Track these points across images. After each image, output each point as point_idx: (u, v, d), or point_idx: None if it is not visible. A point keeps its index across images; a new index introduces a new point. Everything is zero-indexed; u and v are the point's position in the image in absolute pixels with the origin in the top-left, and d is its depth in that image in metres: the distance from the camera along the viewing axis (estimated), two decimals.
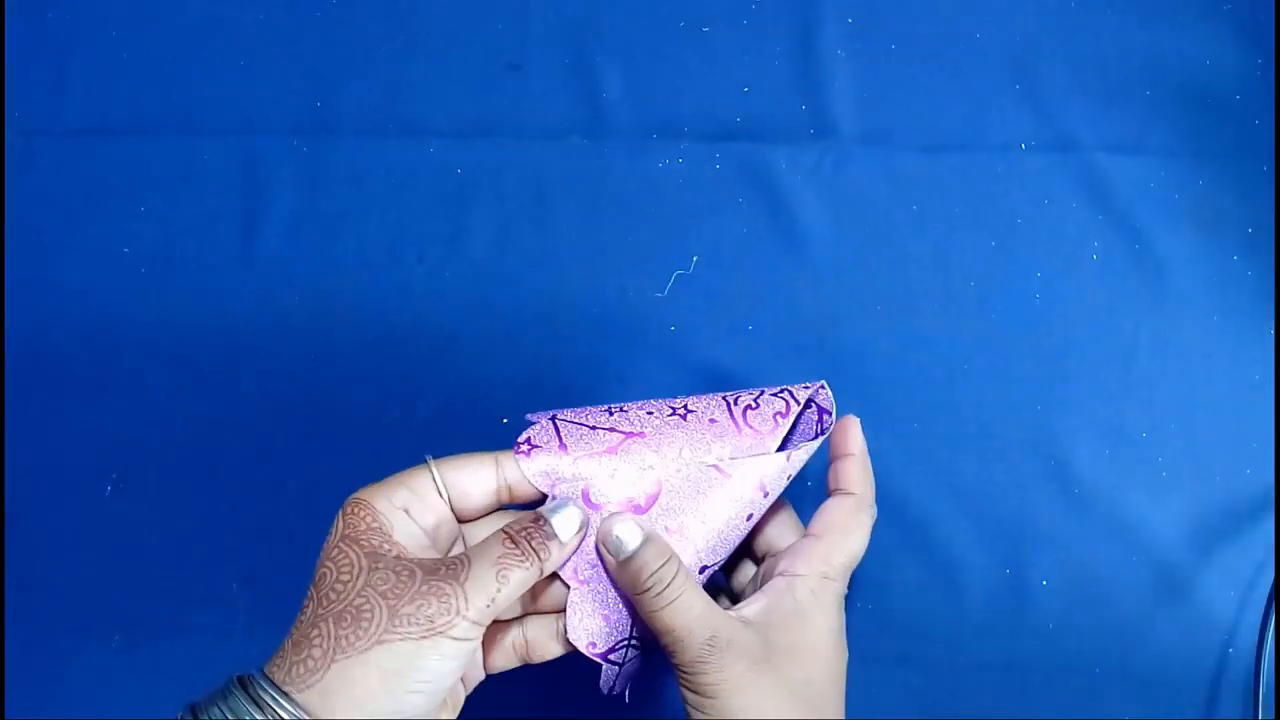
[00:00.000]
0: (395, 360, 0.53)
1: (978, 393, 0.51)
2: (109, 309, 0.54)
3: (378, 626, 0.35)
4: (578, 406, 0.43)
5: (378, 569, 0.36)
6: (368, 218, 0.54)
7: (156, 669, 0.52)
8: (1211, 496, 0.50)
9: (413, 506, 0.39)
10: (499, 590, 0.36)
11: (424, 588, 0.36)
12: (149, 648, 0.52)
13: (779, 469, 0.42)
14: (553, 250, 0.54)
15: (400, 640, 0.35)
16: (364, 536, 0.37)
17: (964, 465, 0.51)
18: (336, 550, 0.37)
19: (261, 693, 0.35)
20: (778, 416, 0.42)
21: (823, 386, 0.44)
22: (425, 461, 0.40)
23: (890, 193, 0.53)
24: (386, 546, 0.37)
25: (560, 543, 0.39)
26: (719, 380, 0.52)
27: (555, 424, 0.42)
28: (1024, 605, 0.50)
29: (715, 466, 0.41)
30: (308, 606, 0.37)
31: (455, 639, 0.35)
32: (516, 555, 0.37)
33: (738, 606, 0.41)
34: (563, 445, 0.41)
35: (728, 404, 0.43)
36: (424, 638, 0.35)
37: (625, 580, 0.39)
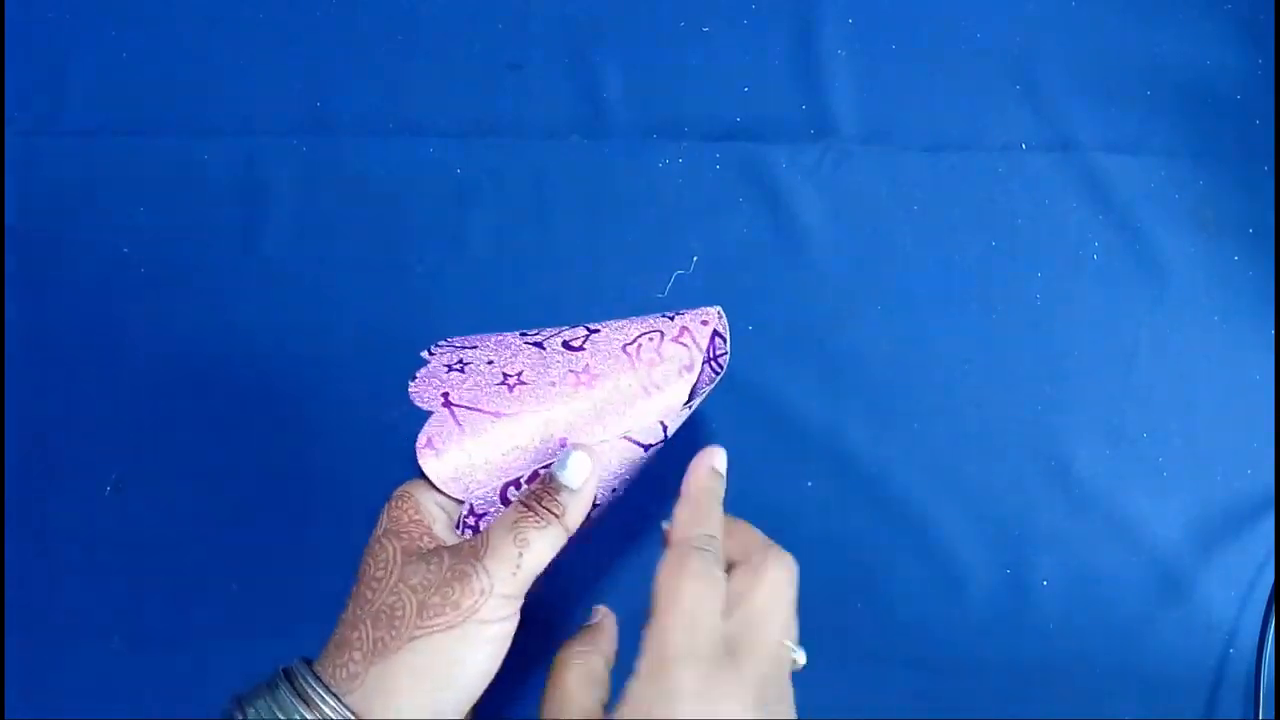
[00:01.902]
0: (395, 360, 0.53)
1: (978, 393, 0.51)
2: (109, 309, 0.54)
3: (409, 624, 0.35)
4: (462, 343, 0.41)
5: (411, 562, 0.36)
6: (368, 218, 0.54)
7: (156, 670, 0.52)
8: (1212, 497, 0.50)
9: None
10: (520, 557, 0.36)
11: (448, 574, 0.35)
12: (149, 648, 0.52)
13: (682, 414, 0.41)
14: (553, 250, 0.54)
15: (429, 635, 0.35)
16: (405, 530, 0.37)
17: (964, 465, 0.51)
18: (377, 545, 0.37)
19: (309, 689, 0.34)
20: (683, 370, 0.41)
21: (719, 315, 0.43)
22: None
23: (890, 193, 0.53)
24: (426, 540, 0.37)
25: (572, 491, 0.38)
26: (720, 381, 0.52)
27: (453, 412, 0.40)
28: (1024, 605, 0.50)
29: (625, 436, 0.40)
30: (350, 604, 0.37)
31: (485, 621, 0.35)
32: (531, 518, 0.37)
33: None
34: (467, 439, 0.40)
35: (630, 359, 0.41)
36: (452, 627, 0.35)
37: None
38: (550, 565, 0.38)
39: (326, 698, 0.34)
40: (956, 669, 0.50)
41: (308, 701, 0.34)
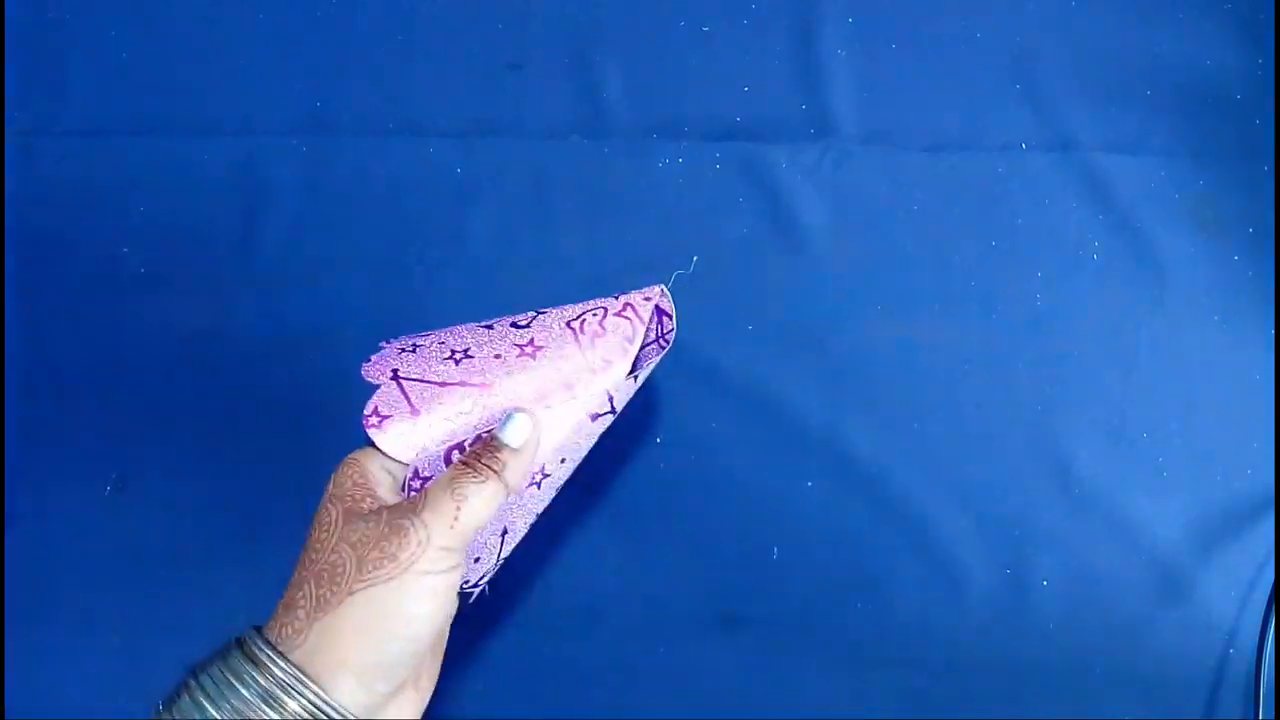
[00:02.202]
0: None
1: (978, 393, 0.51)
2: (109, 309, 0.54)
3: (348, 578, 0.36)
4: (418, 335, 0.43)
5: (351, 522, 0.37)
6: (368, 218, 0.54)
7: (156, 669, 0.52)
8: (1212, 497, 0.50)
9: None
10: (458, 510, 0.36)
11: (386, 529, 0.36)
12: (149, 648, 0.52)
13: (628, 386, 0.42)
14: (553, 250, 0.54)
15: (368, 587, 0.35)
16: (349, 494, 0.38)
17: (964, 465, 0.51)
18: (322, 511, 0.38)
19: (258, 651, 0.35)
20: (625, 342, 0.42)
21: (663, 293, 0.44)
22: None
23: (890, 193, 0.53)
24: (369, 502, 0.38)
25: (513, 450, 0.39)
26: (720, 380, 0.52)
27: (401, 384, 0.41)
28: (1024, 605, 0.50)
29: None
30: (296, 568, 0.38)
31: (424, 573, 0.36)
32: (470, 474, 0.37)
33: None
34: (413, 408, 0.41)
35: (574, 333, 0.42)
36: (391, 579, 0.35)
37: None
38: (517, 549, 0.39)
39: (275, 657, 0.35)
40: (956, 669, 0.50)
41: (257, 663, 0.35)
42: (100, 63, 0.56)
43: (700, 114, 0.54)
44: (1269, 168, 0.52)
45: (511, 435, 0.39)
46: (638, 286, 0.53)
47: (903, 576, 0.50)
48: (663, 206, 0.54)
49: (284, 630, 0.36)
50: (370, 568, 0.35)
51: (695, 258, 0.53)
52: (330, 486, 0.39)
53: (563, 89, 0.55)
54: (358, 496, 0.38)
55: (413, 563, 0.35)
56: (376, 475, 0.39)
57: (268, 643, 0.36)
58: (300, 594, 0.36)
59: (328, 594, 0.36)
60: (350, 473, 0.39)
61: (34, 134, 0.56)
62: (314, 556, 0.37)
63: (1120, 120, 0.53)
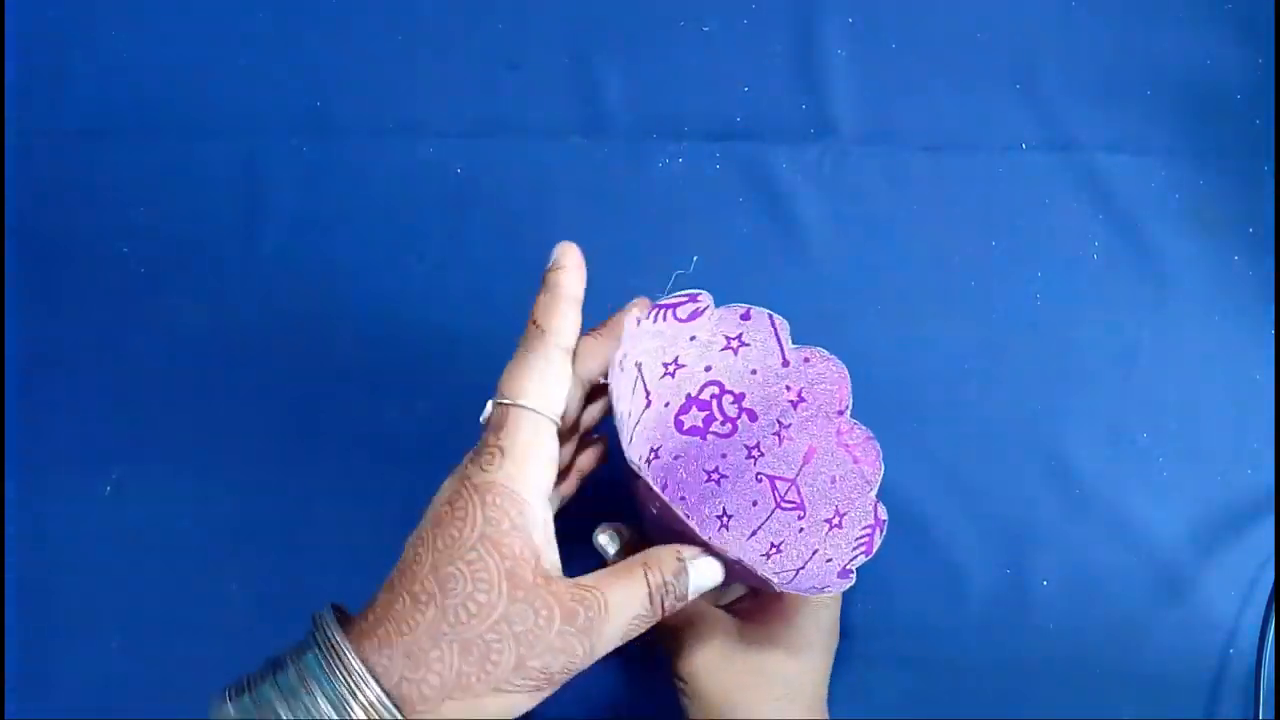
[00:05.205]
0: (395, 360, 0.53)
1: (978, 393, 0.51)
2: (109, 309, 0.54)
3: (502, 673, 0.33)
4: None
5: (517, 600, 0.33)
6: (368, 218, 0.54)
7: (156, 669, 0.52)
8: (1212, 496, 0.50)
9: (547, 474, 0.36)
10: (622, 638, 0.35)
11: (557, 641, 0.33)
12: (149, 648, 0.52)
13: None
14: (553, 250, 0.54)
15: (514, 692, 0.33)
16: (505, 540, 0.33)
17: (964, 465, 0.51)
18: (474, 554, 0.33)
19: (380, 708, 0.32)
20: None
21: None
22: (520, 407, 0.36)
23: (890, 193, 0.53)
24: (527, 558, 0.33)
25: (688, 599, 0.36)
26: None
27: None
28: (1024, 605, 0.50)
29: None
30: (427, 606, 0.33)
31: (557, 686, 0.34)
32: (646, 616, 0.35)
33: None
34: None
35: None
36: (538, 689, 0.34)
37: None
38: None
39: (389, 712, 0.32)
40: (956, 669, 0.50)
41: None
42: (100, 63, 0.56)
43: (700, 114, 0.54)
44: (1269, 168, 0.52)
45: (696, 582, 0.36)
46: (638, 287, 0.53)
47: (902, 576, 0.50)
48: (663, 206, 0.54)
49: (406, 687, 0.32)
50: (528, 675, 0.33)
51: (695, 258, 0.53)
52: (480, 521, 0.33)
53: (563, 89, 0.55)
54: (517, 549, 0.33)
55: (561, 680, 0.34)
56: (534, 508, 0.34)
57: (391, 699, 0.32)
58: (437, 654, 0.33)
59: (474, 677, 0.32)
60: (508, 508, 0.34)
61: (34, 134, 0.56)
62: (464, 618, 0.33)
63: (1120, 120, 0.53)
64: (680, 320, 0.41)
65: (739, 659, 0.40)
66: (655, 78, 0.54)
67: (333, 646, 0.33)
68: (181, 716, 0.50)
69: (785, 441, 0.45)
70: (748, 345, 0.43)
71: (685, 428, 0.44)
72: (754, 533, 0.44)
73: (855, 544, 0.41)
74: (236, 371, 0.54)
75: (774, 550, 0.43)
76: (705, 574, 0.36)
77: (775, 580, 0.37)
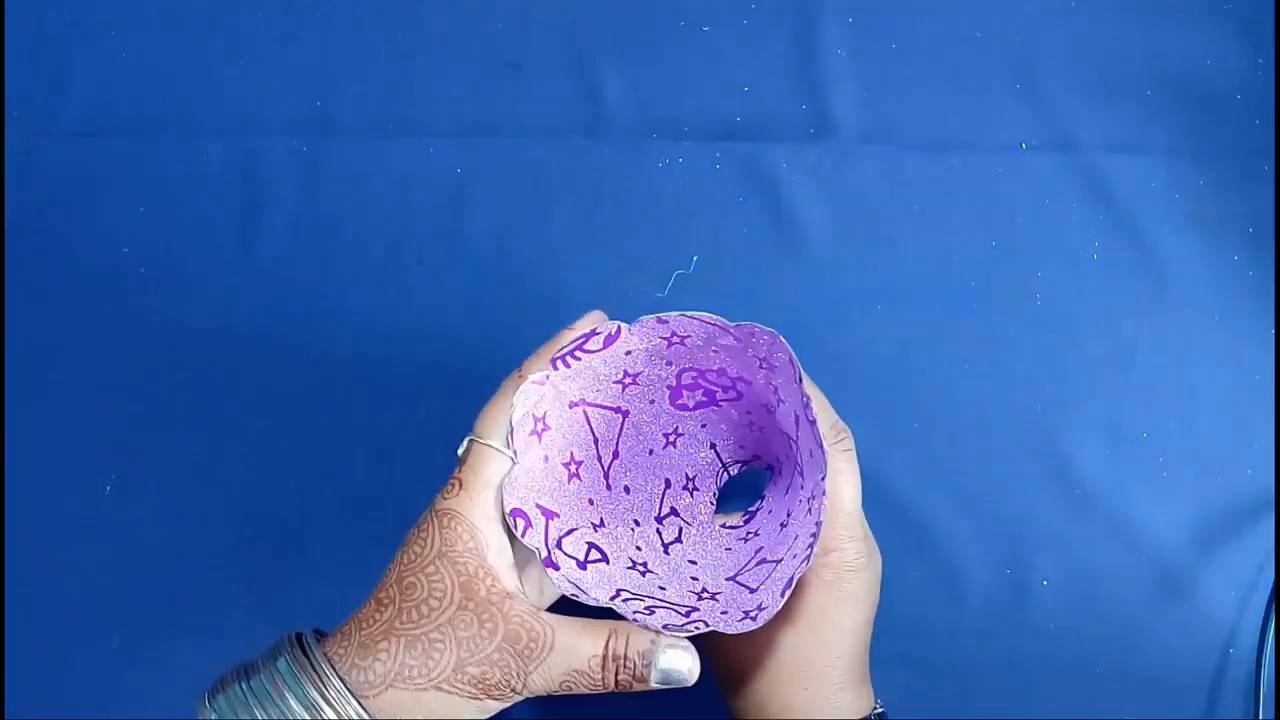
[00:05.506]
0: (395, 360, 0.53)
1: (978, 393, 0.51)
2: (109, 309, 0.54)
3: (440, 671, 0.35)
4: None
5: (466, 609, 0.36)
6: (368, 218, 0.54)
7: (156, 669, 0.52)
8: (1212, 496, 0.50)
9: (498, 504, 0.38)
10: (558, 690, 0.36)
11: (495, 655, 0.36)
12: (148, 648, 0.52)
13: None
14: (553, 250, 0.54)
15: (452, 693, 0.35)
16: (461, 559, 0.37)
17: (964, 465, 0.51)
18: (432, 568, 0.36)
19: (329, 688, 0.35)
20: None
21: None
22: (483, 444, 0.39)
23: (890, 192, 0.53)
24: (480, 575, 0.36)
25: (649, 685, 0.37)
26: None
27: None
28: (1024, 605, 0.50)
29: None
30: (387, 607, 0.36)
31: (496, 700, 0.36)
32: (590, 677, 0.36)
33: None
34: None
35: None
36: (474, 698, 0.36)
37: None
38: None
39: (349, 702, 0.35)
40: (956, 669, 0.50)
41: (328, 700, 0.35)
42: (100, 63, 0.56)
43: (700, 114, 0.54)
44: (1269, 168, 0.52)
45: (665, 674, 0.37)
46: (638, 287, 0.53)
47: (902, 576, 0.50)
48: (663, 206, 0.54)
49: (355, 672, 0.36)
50: (465, 680, 0.36)
51: (695, 258, 0.53)
52: (438, 542, 0.37)
53: (563, 89, 0.55)
54: (471, 567, 0.37)
55: (498, 695, 0.36)
56: (485, 534, 0.37)
57: (343, 682, 0.35)
58: (384, 645, 0.36)
59: (415, 669, 0.36)
60: (460, 531, 0.37)
61: (34, 134, 0.56)
62: (416, 618, 0.36)
63: (1120, 120, 0.53)
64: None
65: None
66: (655, 78, 0.54)
67: (301, 644, 0.37)
68: (181, 717, 0.50)
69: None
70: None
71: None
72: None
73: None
74: (236, 372, 0.54)
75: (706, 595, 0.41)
76: (675, 662, 0.36)
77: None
